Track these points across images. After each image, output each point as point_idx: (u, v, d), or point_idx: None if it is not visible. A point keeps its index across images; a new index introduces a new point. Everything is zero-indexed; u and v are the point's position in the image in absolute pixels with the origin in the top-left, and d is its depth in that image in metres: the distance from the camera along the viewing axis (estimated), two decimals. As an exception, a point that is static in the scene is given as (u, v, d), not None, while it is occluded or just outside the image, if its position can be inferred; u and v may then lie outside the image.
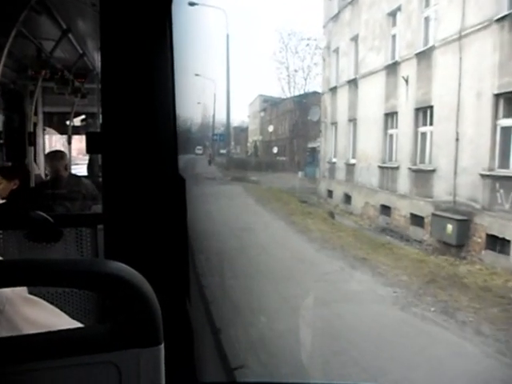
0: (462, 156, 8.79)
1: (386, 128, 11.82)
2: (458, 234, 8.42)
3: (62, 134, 5.91)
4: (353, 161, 13.49)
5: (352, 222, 11.62)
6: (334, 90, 15.05)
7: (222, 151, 24.06)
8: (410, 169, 10.56)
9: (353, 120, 13.53)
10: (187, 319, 1.17)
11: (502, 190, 7.81)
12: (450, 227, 8.56)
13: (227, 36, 19.50)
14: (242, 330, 4.48)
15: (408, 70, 10.67)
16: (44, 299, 0.78)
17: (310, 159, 18.94)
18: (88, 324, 1.07)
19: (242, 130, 28.35)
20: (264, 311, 5.11)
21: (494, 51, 7.98)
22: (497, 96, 8.00)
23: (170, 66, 1.12)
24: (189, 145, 22.83)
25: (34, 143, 4.85)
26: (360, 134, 13.09)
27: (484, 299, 5.81)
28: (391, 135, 11.65)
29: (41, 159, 5.18)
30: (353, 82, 13.53)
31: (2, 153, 4.59)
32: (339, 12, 14.59)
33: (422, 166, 10.24)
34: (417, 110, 10.42)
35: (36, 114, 5.01)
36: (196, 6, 15.62)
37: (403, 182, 10.82)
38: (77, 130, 5.69)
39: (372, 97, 12.19)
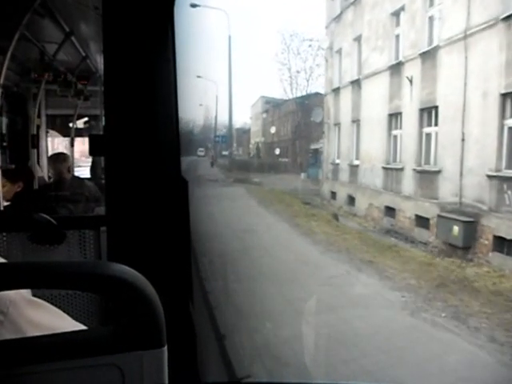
0: (467, 156, 8.71)
1: (389, 129, 11.79)
2: (464, 235, 8.34)
3: (64, 136, 5.93)
4: (356, 162, 13.44)
5: (356, 224, 11.55)
6: (336, 90, 15.03)
7: (225, 153, 24.07)
8: (414, 170, 10.51)
9: (356, 121, 13.49)
10: (190, 321, 1.17)
11: (509, 192, 7.75)
12: (456, 229, 8.49)
13: (229, 37, 19.47)
14: (247, 336, 4.40)
15: (412, 69, 10.63)
16: (47, 301, 0.78)
17: (313, 160, 18.91)
18: (91, 326, 1.07)
19: (244, 132, 28.36)
20: (269, 317, 5.01)
21: (500, 50, 7.92)
22: (504, 95, 7.94)
23: (173, 68, 1.13)
24: (191, 147, 22.86)
25: (37, 145, 4.86)
26: (363, 134, 13.05)
27: (496, 304, 5.68)
28: (395, 136, 11.61)
29: (44, 161, 5.20)
30: (356, 83, 13.51)
31: (6, 155, 4.61)
32: (342, 12, 14.57)
33: (426, 167, 10.18)
34: (421, 110, 10.36)
35: (39, 116, 5.03)
36: (198, 8, 15.64)
37: (408, 183, 10.77)
38: (80, 133, 5.71)
39: (376, 97, 12.15)
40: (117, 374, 0.64)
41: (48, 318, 0.76)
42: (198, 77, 19.90)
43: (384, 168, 11.84)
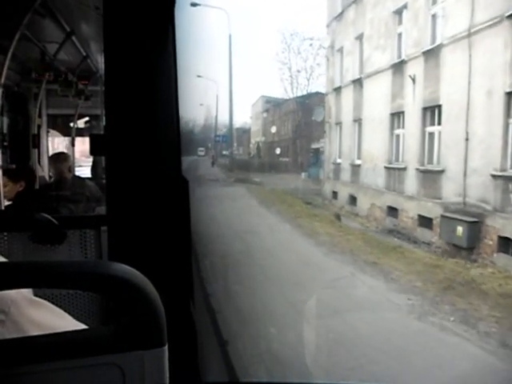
0: (472, 156, 8.63)
1: (392, 128, 11.73)
2: (468, 236, 8.27)
3: (65, 136, 5.94)
4: (358, 161, 13.39)
5: (358, 224, 11.49)
6: (338, 89, 14.99)
7: (225, 152, 24.05)
8: (417, 169, 10.44)
9: (358, 120, 13.46)
10: (191, 321, 1.17)
11: (515, 191, 7.69)
12: (460, 229, 8.42)
13: (229, 37, 19.45)
14: (250, 341, 4.31)
15: (415, 68, 10.57)
16: (48, 301, 0.78)
17: (314, 160, 18.88)
18: (92, 326, 1.07)
19: (245, 131, 28.31)
20: (271, 320, 4.92)
21: (505, 48, 7.84)
22: (509, 94, 7.87)
23: (173, 68, 1.13)
24: (191, 146, 22.84)
25: (38, 145, 4.88)
26: (365, 134, 13.01)
27: (505, 307, 5.54)
28: (398, 135, 11.56)
29: (45, 161, 5.21)
30: (358, 82, 13.47)
31: (7, 155, 4.61)
32: (343, 11, 14.53)
33: (429, 167, 10.12)
34: (424, 109, 10.29)
35: (40, 116, 5.05)
36: (198, 7, 15.62)
37: (410, 182, 10.71)
38: (80, 132, 5.72)
39: (378, 96, 12.10)
40: (117, 373, 0.64)
41: (49, 318, 0.76)
42: (199, 76, 19.89)
43: (386, 167, 11.80)
